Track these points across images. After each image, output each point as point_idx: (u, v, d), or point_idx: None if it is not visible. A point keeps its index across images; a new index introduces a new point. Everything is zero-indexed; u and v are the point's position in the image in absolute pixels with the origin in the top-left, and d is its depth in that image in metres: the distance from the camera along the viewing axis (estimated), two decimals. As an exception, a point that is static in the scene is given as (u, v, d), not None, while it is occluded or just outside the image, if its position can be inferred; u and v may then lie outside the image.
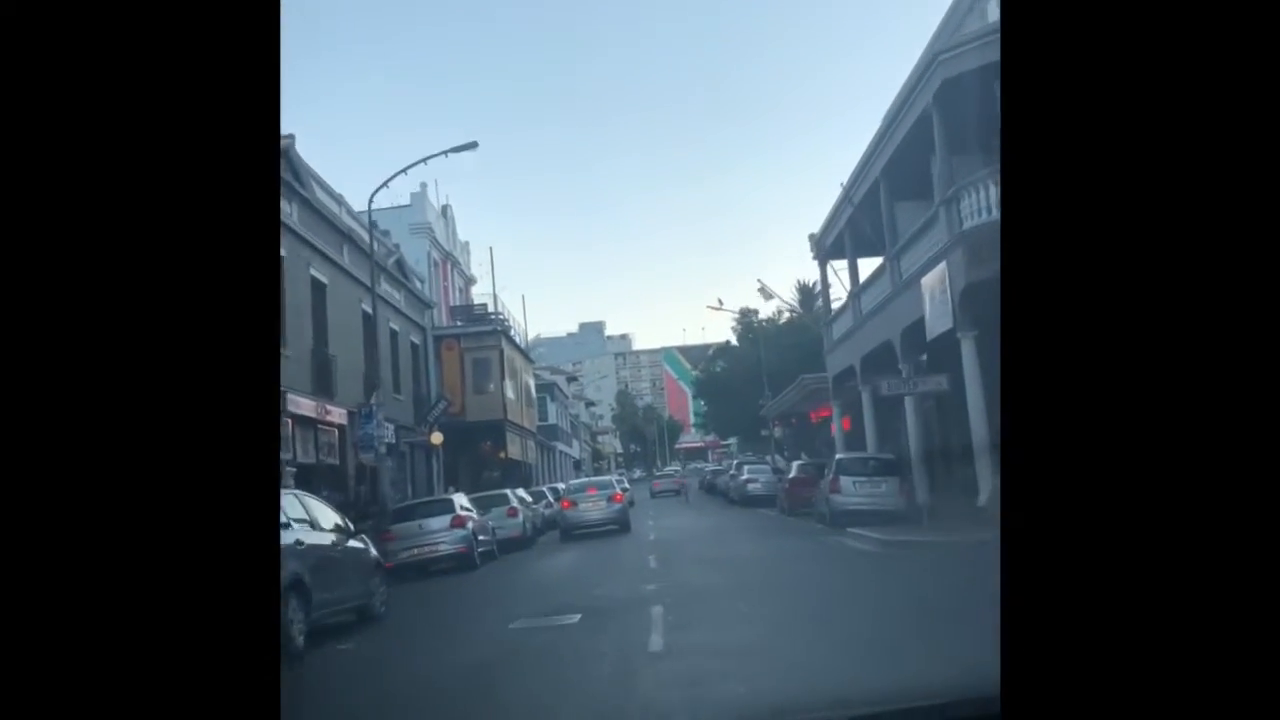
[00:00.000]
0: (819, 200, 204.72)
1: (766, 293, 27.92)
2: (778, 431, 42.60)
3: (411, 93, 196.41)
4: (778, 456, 43.12)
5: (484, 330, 36.24)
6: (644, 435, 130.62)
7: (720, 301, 54.10)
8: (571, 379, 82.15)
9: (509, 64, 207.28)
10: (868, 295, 23.29)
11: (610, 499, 23.63)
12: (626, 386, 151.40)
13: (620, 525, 23.54)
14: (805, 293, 50.69)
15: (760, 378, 43.69)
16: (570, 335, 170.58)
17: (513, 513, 22.13)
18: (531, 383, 44.39)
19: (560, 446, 54.62)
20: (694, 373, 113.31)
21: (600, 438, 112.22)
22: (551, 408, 53.03)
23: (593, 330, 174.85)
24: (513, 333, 41.05)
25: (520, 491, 27.62)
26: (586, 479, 26.77)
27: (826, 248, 27.30)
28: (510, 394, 36.93)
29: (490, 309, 38.88)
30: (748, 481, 32.21)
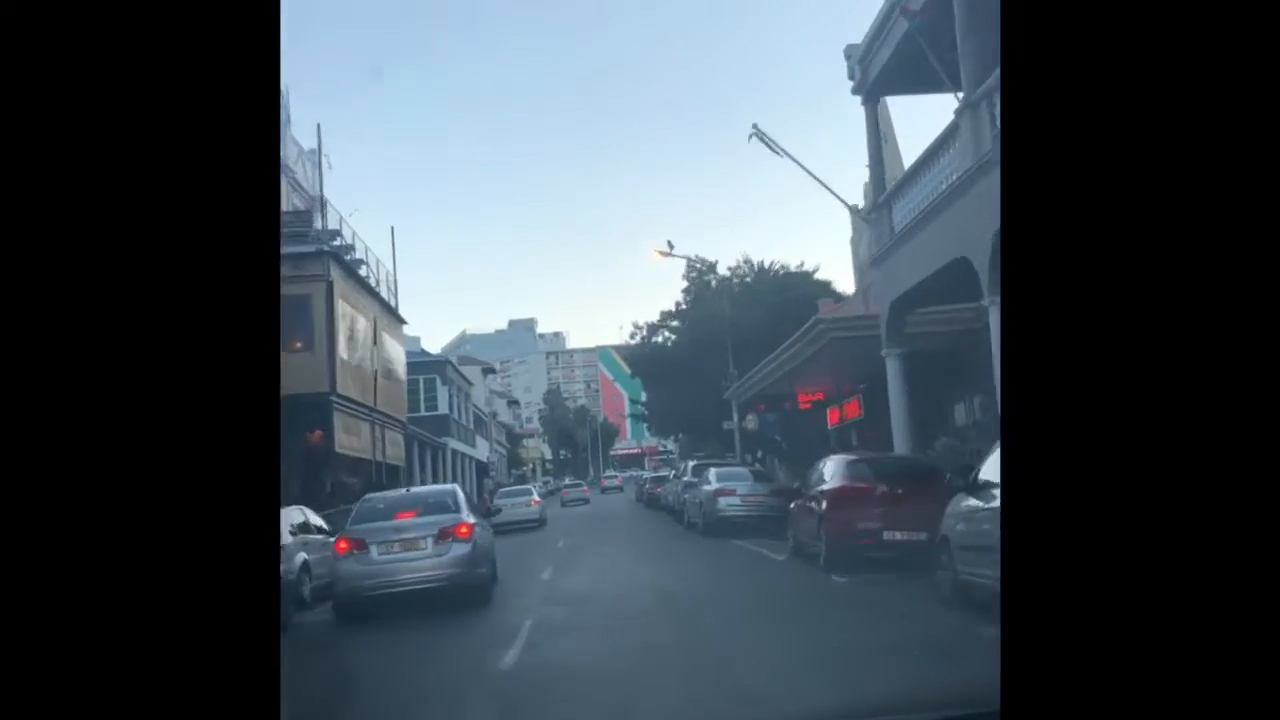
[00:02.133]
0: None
1: (767, 142, 14.81)
2: (750, 423, 29.82)
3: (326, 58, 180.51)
4: (750, 459, 30.50)
5: (299, 252, 22.84)
6: (575, 440, 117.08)
7: (670, 245, 38.50)
8: (489, 371, 68.87)
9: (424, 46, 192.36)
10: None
11: (440, 537, 10.48)
12: (558, 387, 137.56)
13: (462, 586, 10.53)
14: (761, 271, 37.97)
15: (722, 350, 31.07)
16: (499, 332, 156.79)
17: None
18: (398, 349, 31.06)
19: (455, 445, 41.27)
20: (628, 371, 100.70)
21: (526, 441, 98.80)
22: (442, 393, 39.68)
23: (523, 327, 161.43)
24: (365, 272, 27.70)
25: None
26: (398, 492, 13.27)
27: (880, 69, 14.61)
28: (345, 353, 23.62)
29: (316, 225, 25.33)
30: (719, 494, 19.25)
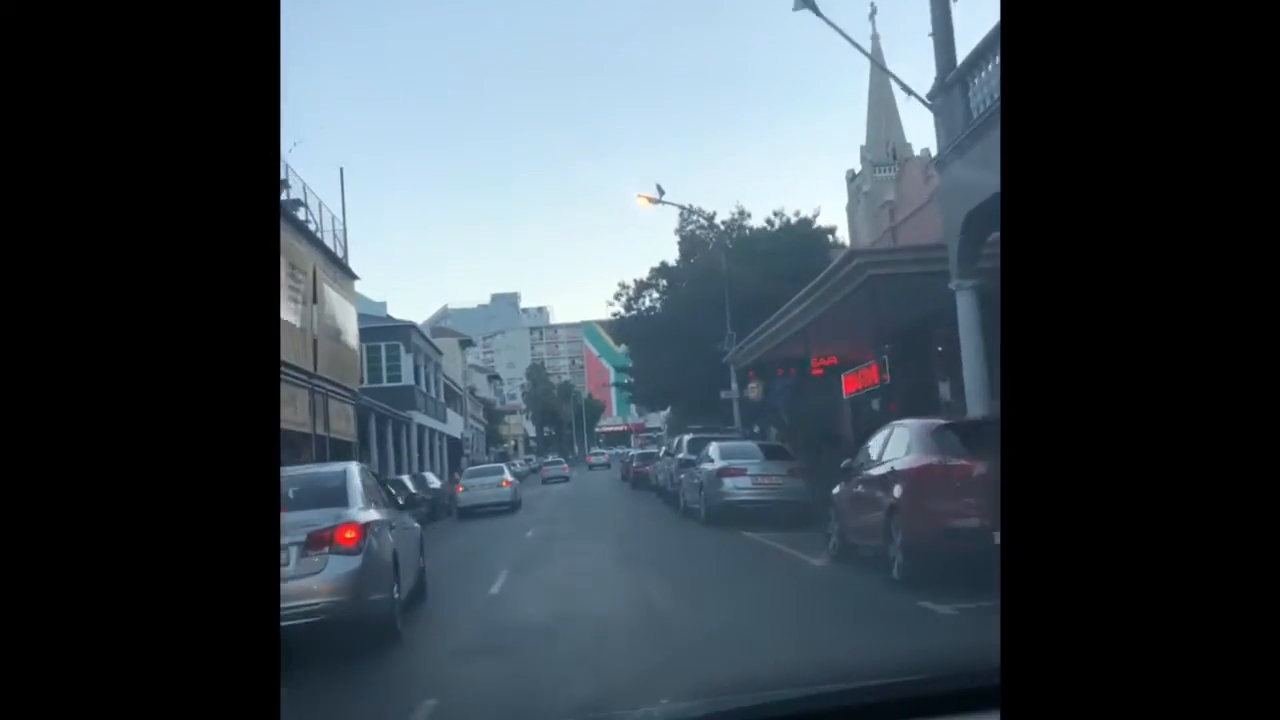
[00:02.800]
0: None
1: (814, 8, 10.84)
2: (753, 392, 25.96)
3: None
4: (745, 432, 26.65)
5: (213, 180, 18.79)
6: (559, 416, 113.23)
7: (660, 190, 29.62)
8: (467, 343, 65.00)
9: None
10: None
11: (311, 545, 6.60)
12: (542, 363, 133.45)
13: (345, 623, 6.62)
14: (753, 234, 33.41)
15: (719, 309, 27.30)
16: (481, 307, 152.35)
17: None
18: (347, 308, 27.08)
19: (422, 419, 37.33)
20: (614, 345, 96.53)
21: (509, 418, 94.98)
22: (406, 362, 35.68)
23: (506, 302, 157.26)
24: (305, 216, 23.72)
25: None
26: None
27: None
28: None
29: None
30: (725, 474, 15.42)
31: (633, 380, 38.77)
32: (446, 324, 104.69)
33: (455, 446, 47.82)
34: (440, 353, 44.54)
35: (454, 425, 46.79)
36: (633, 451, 43.85)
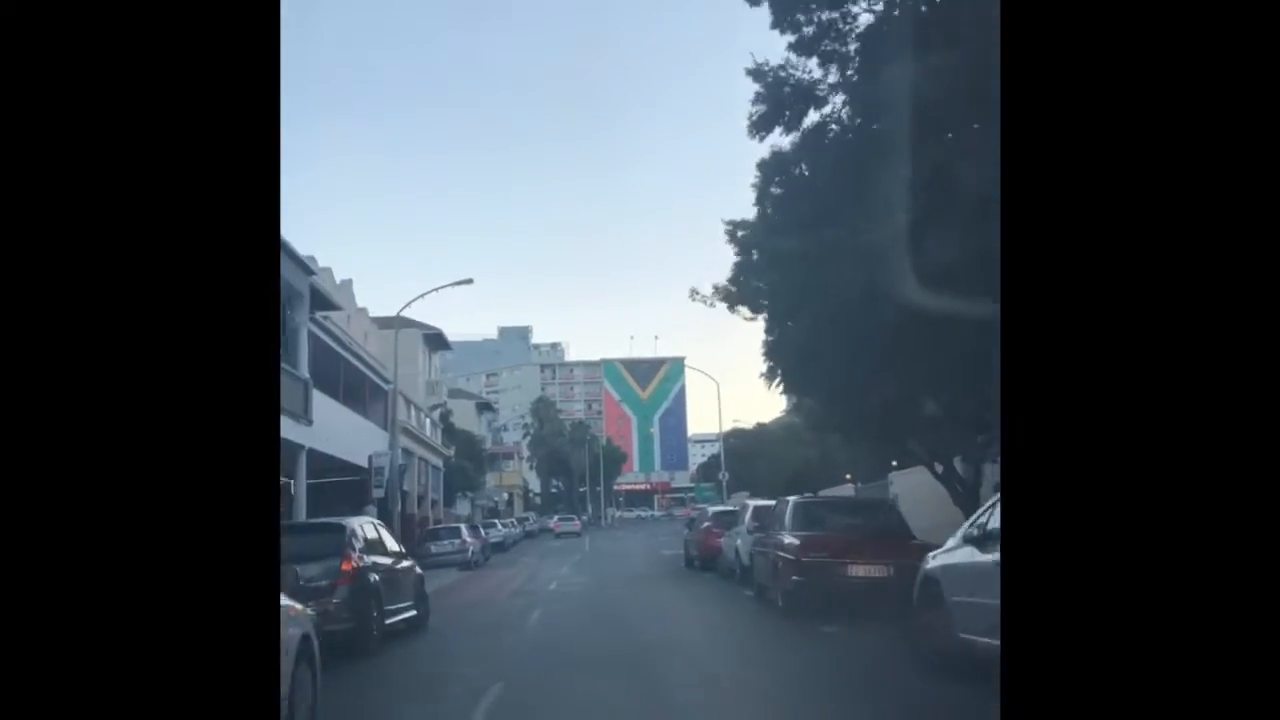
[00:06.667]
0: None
1: None
2: None
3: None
4: None
5: None
6: (569, 466, 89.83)
7: None
8: (439, 342, 43.42)
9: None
10: None
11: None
12: (554, 401, 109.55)
13: None
14: None
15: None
16: (488, 341, 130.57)
17: None
18: None
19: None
20: (639, 392, 74.37)
21: (505, 463, 72.26)
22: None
23: (515, 336, 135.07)
24: None
25: None
26: None
27: None
28: None
29: None
30: None
31: (770, 326, 14.39)
32: (451, 359, 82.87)
33: (356, 487, 25.23)
34: (339, 308, 22.22)
35: (346, 438, 24.14)
36: (709, 510, 20.90)
